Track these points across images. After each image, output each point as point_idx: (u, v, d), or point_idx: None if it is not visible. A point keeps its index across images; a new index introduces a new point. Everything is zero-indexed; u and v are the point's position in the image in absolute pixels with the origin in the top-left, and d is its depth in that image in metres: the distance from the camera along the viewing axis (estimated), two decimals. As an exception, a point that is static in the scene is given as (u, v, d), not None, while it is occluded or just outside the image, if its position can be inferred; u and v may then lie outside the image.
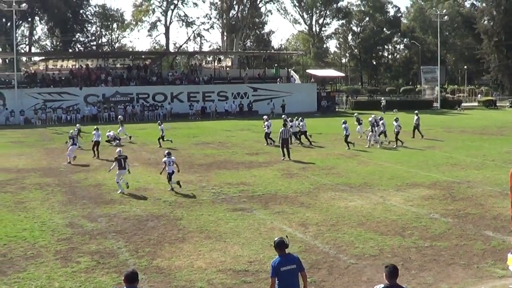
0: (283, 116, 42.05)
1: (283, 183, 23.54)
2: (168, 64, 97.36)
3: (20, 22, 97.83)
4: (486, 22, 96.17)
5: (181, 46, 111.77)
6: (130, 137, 40.71)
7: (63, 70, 69.58)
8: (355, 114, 41.70)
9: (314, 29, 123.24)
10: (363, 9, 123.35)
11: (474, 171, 25.61)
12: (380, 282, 8.40)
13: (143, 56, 79.81)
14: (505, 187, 20.45)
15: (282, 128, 30.90)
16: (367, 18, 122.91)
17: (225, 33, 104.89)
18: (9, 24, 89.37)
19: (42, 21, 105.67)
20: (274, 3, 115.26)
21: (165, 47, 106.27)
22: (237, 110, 66.22)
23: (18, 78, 62.99)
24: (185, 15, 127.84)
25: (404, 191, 21.43)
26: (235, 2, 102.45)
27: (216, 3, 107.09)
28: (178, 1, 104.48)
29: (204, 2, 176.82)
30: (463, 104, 76.59)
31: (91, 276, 12.74)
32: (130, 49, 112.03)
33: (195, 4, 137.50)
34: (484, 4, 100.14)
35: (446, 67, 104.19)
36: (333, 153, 32.62)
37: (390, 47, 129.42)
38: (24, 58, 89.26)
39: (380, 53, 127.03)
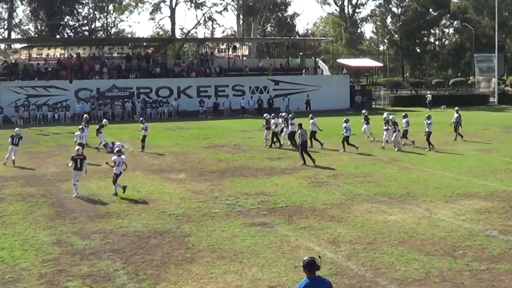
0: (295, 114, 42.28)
1: (310, 193, 23.47)
2: (174, 53, 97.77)
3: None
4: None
5: (189, 32, 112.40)
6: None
7: (49, 60, 70.11)
8: (363, 111, 41.59)
9: (346, 11, 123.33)
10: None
11: (539, 179, 25.42)
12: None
13: (144, 44, 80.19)
14: None
15: (300, 130, 31.19)
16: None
17: (241, 16, 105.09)
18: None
19: (23, 1, 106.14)
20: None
21: (170, 33, 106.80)
22: (256, 107, 66.36)
23: (-5, 69, 63.62)
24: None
25: (454, 203, 21.27)
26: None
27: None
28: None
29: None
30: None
31: (82, 303, 12.75)
32: (129, 35, 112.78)
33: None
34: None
35: (505, 54, 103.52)
36: (369, 157, 32.53)
37: (437, 31, 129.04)
38: (2, 45, 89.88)
39: (425, 38, 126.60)
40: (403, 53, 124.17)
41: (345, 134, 34.79)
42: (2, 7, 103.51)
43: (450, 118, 41.23)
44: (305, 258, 9.28)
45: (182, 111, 63.97)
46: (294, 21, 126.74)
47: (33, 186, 26.07)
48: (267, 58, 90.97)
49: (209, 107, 65.05)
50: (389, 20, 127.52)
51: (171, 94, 65.99)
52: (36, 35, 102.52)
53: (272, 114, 39.84)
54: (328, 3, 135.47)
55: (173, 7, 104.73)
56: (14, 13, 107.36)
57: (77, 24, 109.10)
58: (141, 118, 40.37)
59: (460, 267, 14.53)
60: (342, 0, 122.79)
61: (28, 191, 24.96)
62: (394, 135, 35.71)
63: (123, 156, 24.31)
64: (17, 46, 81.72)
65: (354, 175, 27.30)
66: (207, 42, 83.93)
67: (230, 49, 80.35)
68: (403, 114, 37.94)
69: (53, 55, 72.27)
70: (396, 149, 34.87)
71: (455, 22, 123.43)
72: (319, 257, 9.50)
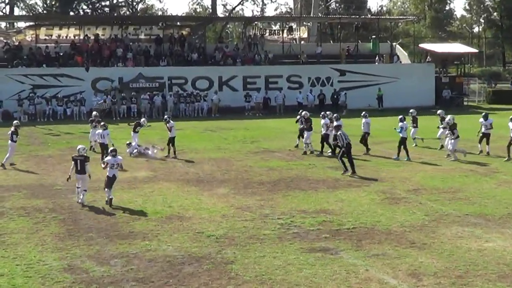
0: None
1: (384, 211, 23.39)
2: (215, 36, 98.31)
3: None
4: None
5: (234, 9, 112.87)
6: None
7: (61, 42, 70.60)
8: (411, 111, 40.92)
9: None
10: None
11: None
12: None
13: (178, 23, 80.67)
14: None
15: (340, 132, 31.44)
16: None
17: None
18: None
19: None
20: None
21: (210, 10, 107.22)
22: (316, 103, 66.29)
23: (-6, 52, 64.62)
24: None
25: None
26: None
27: None
28: None
29: None
30: None
31: None
32: (160, 13, 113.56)
33: None
34: None
35: None
36: (459, 168, 32.29)
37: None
38: (2, 24, 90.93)
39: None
40: (503, 36, 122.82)
41: (401, 135, 34.81)
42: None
43: None
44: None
45: (224, 107, 64.40)
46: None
47: (40, 198, 26.36)
48: (331, 42, 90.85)
49: (257, 102, 65.29)
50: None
51: (210, 86, 66.44)
52: (44, 12, 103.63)
53: (322, 113, 39.67)
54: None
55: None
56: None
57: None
58: (166, 116, 40.22)
59: None
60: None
61: (33, 204, 25.24)
62: (450, 141, 35.27)
63: (119, 157, 25.52)
64: (21, 25, 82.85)
65: (440, 190, 27.13)
66: (255, 22, 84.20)
67: (285, 31, 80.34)
68: (483, 114, 37.61)
69: (66, 37, 72.91)
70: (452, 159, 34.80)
71: None
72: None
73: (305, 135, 37.91)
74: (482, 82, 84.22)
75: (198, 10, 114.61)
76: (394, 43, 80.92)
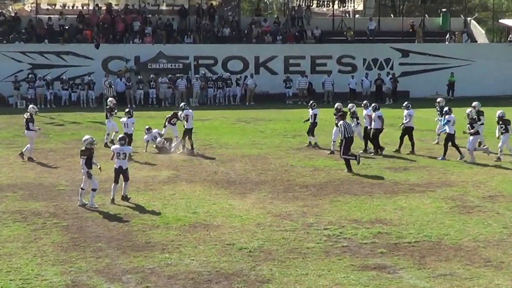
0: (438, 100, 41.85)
1: (452, 223, 23.33)
2: (251, 7, 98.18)
3: None
4: None
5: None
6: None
7: (66, 14, 70.67)
8: (438, 100, 40.75)
9: None
10: None
11: None
12: None
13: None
14: None
15: (343, 122, 32.46)
16: None
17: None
18: None
19: None
20: None
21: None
22: (373, 90, 66.12)
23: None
24: None
25: None
26: None
27: None
28: None
29: None
30: None
31: None
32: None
33: None
34: None
35: None
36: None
37: None
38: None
39: None
40: None
41: (447, 130, 34.95)
42: None
43: None
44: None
45: (261, 94, 64.58)
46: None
47: (39, 200, 26.56)
48: (392, 16, 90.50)
49: (301, 88, 65.17)
50: None
51: (245, 68, 66.62)
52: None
53: (365, 102, 39.69)
54: None
55: None
56: None
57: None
58: (182, 104, 39.62)
59: None
60: None
61: (31, 207, 25.41)
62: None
63: (128, 147, 26.12)
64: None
65: (521, 197, 27.04)
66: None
67: (336, 2, 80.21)
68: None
69: (72, 7, 73.15)
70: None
71: None
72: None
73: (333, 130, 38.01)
74: None
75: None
76: (468, 19, 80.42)
